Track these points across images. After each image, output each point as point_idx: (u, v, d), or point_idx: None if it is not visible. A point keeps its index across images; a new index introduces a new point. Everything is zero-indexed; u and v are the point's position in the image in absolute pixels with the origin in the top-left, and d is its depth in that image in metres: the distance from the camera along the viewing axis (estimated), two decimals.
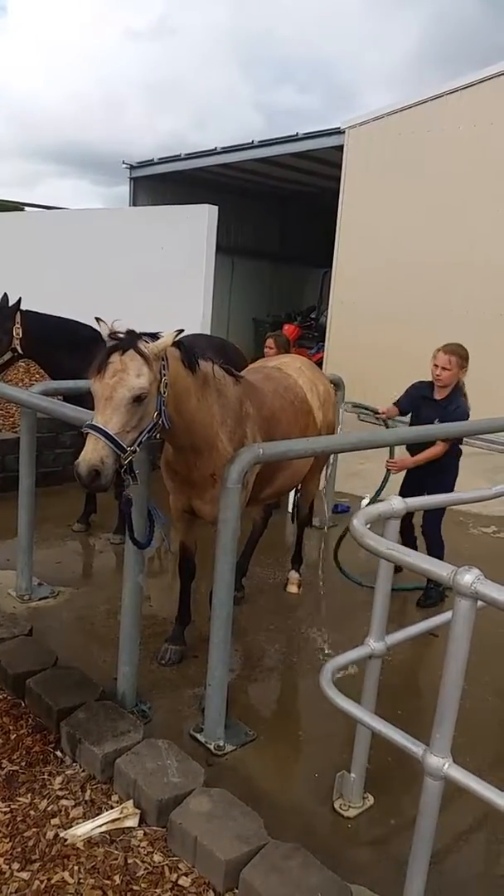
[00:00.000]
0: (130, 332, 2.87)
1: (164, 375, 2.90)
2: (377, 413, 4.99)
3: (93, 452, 2.70)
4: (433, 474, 4.52)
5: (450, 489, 4.45)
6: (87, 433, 2.74)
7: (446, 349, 4.51)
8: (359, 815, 2.88)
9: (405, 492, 4.51)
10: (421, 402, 4.67)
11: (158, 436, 3.10)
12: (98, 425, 2.72)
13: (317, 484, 5.07)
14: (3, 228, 13.67)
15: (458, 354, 4.48)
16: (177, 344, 3.03)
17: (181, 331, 2.93)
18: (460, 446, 4.65)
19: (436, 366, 4.53)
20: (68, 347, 5.38)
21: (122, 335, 2.85)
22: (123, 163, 16.63)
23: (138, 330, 2.90)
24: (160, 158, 16.01)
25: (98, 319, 3.01)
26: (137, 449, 2.84)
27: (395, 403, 4.81)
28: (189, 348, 3.17)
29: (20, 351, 5.31)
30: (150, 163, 16.25)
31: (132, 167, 16.58)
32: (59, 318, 5.53)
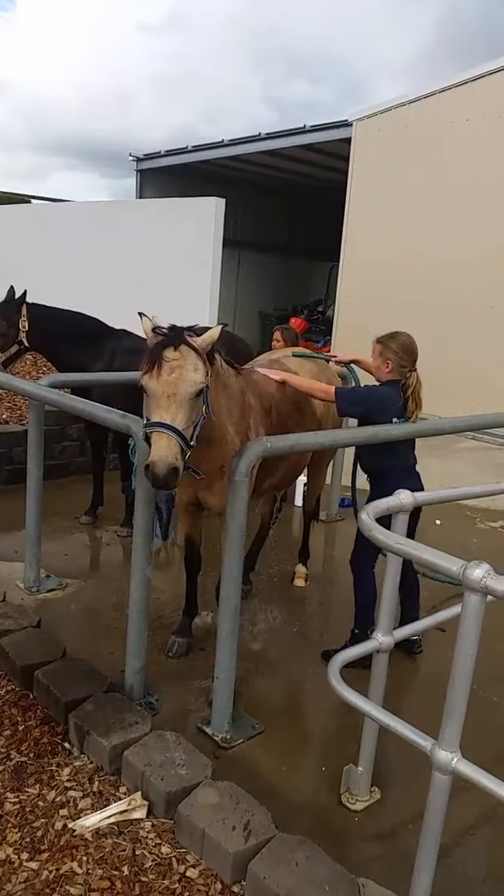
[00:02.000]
0: (175, 327, 2.87)
1: (208, 369, 2.91)
2: (329, 359, 4.60)
3: (167, 450, 2.67)
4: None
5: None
6: (154, 432, 2.72)
7: (377, 337, 3.82)
8: (366, 808, 2.88)
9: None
10: None
11: None
12: (167, 422, 2.70)
13: (323, 477, 5.07)
14: (10, 221, 13.68)
15: (383, 343, 3.76)
16: None
17: (225, 325, 2.96)
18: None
19: None
20: (74, 340, 5.40)
21: (166, 330, 2.84)
22: (130, 155, 16.58)
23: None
24: (167, 151, 15.95)
25: (141, 315, 2.97)
26: (194, 444, 2.86)
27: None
28: None
29: (26, 343, 5.33)
30: (156, 155, 16.20)
31: (139, 159, 16.52)
32: (65, 310, 5.54)
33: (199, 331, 2.98)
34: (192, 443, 2.84)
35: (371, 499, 3.54)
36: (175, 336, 2.80)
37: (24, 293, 5.33)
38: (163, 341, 2.79)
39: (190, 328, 2.93)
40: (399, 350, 3.71)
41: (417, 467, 4.00)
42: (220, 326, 2.93)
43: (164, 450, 2.68)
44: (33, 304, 5.36)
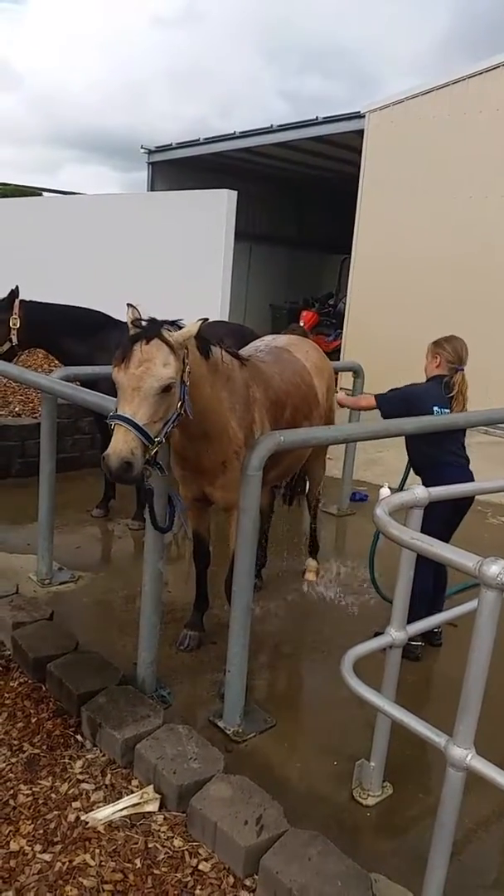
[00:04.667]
0: (153, 321, 2.82)
1: (187, 364, 2.86)
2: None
3: (123, 444, 2.65)
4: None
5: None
6: (115, 424, 2.69)
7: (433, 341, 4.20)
8: (378, 803, 2.88)
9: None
10: None
11: None
12: (126, 416, 2.67)
13: (323, 467, 5.03)
14: (21, 214, 13.68)
15: (437, 343, 4.10)
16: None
17: (206, 319, 2.88)
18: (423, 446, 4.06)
19: None
20: (74, 334, 5.33)
21: (144, 323, 2.81)
22: (142, 147, 16.55)
23: (160, 317, 2.88)
24: (178, 143, 15.91)
25: (129, 305, 2.94)
26: (164, 440, 2.81)
27: None
28: (203, 335, 3.15)
29: (16, 341, 5.24)
30: (168, 147, 16.17)
31: (150, 152, 16.49)
32: (63, 305, 5.47)
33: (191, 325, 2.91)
34: (158, 438, 2.77)
35: None
36: (149, 329, 2.75)
37: (16, 290, 5.24)
38: (136, 334, 2.75)
39: (173, 322, 2.87)
40: (450, 350, 4.03)
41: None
42: (200, 321, 2.85)
43: (119, 443, 2.65)
44: (28, 301, 5.28)
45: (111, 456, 2.65)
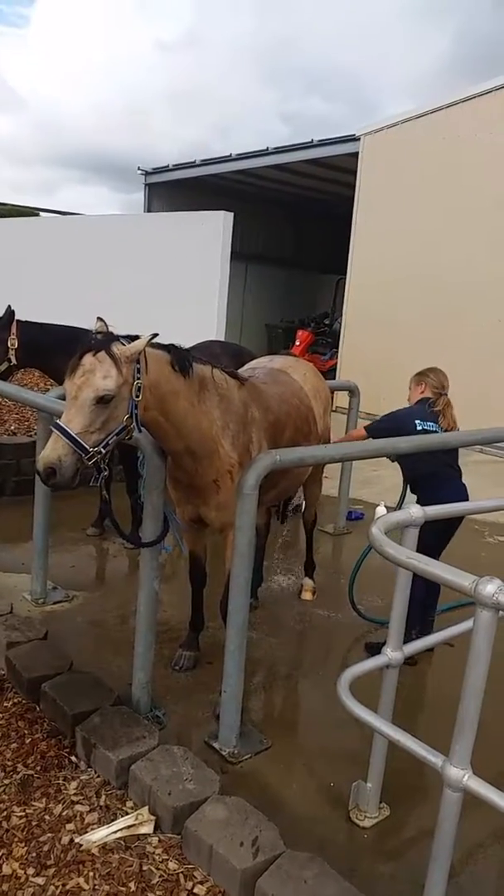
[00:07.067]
0: (108, 334, 2.92)
1: (138, 379, 2.88)
2: None
3: (52, 451, 2.75)
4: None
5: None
6: (53, 431, 2.80)
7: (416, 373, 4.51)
8: (375, 825, 2.85)
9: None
10: None
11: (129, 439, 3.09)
12: (61, 424, 2.78)
13: (320, 488, 5.04)
14: (18, 234, 13.75)
15: (421, 374, 4.40)
16: (167, 347, 3.09)
17: (155, 335, 2.94)
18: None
19: None
20: (71, 354, 5.34)
21: (100, 336, 2.90)
22: (139, 168, 16.71)
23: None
24: (175, 165, 16.07)
25: (99, 319, 3.03)
26: (103, 450, 2.85)
27: None
28: (181, 351, 3.17)
29: (15, 361, 5.28)
30: (165, 169, 16.32)
31: (147, 173, 16.65)
32: (60, 326, 5.50)
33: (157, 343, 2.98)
34: (96, 449, 2.80)
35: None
36: (98, 343, 2.85)
37: (12, 312, 5.27)
38: (88, 346, 2.84)
39: (127, 336, 2.93)
40: (434, 378, 4.33)
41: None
42: (150, 336, 2.91)
43: (48, 450, 2.77)
44: (25, 321, 5.31)
45: (39, 461, 2.78)
